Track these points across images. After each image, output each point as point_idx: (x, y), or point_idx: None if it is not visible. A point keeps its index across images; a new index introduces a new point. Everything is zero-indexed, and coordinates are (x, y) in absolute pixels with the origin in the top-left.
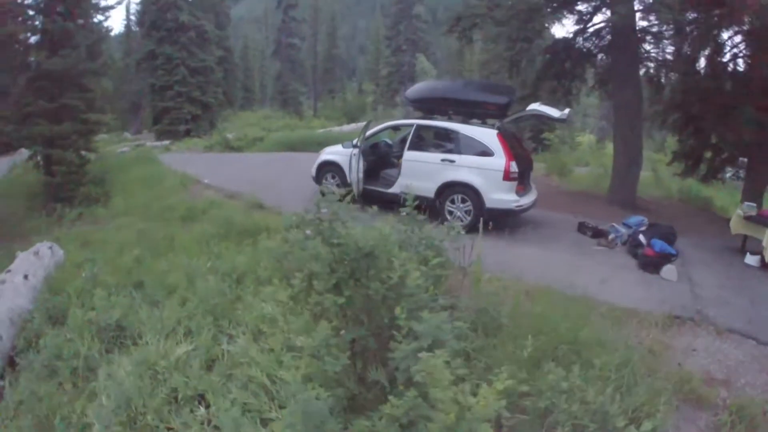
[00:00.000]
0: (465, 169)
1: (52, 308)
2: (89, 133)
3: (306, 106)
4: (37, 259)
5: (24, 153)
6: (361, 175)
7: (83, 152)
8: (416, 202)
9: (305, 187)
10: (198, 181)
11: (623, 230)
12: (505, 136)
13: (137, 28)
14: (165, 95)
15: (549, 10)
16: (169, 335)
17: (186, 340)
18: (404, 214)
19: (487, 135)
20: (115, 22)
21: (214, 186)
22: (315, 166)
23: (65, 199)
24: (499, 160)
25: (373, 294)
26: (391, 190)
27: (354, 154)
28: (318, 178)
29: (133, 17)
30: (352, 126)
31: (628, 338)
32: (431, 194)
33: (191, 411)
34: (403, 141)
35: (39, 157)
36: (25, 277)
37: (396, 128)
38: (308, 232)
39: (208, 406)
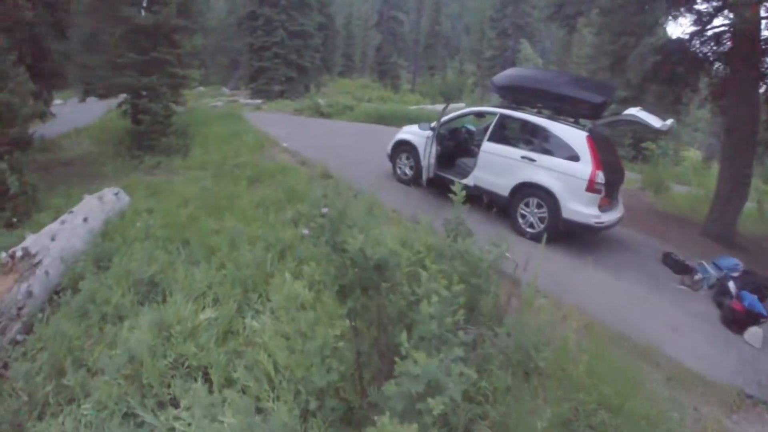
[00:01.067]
0: (545, 171)
1: (101, 253)
2: (177, 87)
3: (404, 80)
4: (101, 203)
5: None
6: (432, 160)
7: (170, 104)
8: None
9: (381, 162)
10: (277, 143)
11: (712, 271)
12: (595, 141)
13: None
14: (263, 55)
15: (665, 3)
16: (197, 299)
17: (213, 306)
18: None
19: (575, 137)
20: None
21: (291, 150)
22: (391, 143)
23: (148, 148)
24: (584, 166)
25: (389, 307)
26: (464, 181)
27: (428, 137)
28: (392, 156)
29: None
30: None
31: (683, 414)
32: (505, 192)
33: (194, 380)
34: (486, 130)
35: (128, 106)
36: (85, 219)
37: (480, 115)
38: (306, 231)
39: (208, 381)
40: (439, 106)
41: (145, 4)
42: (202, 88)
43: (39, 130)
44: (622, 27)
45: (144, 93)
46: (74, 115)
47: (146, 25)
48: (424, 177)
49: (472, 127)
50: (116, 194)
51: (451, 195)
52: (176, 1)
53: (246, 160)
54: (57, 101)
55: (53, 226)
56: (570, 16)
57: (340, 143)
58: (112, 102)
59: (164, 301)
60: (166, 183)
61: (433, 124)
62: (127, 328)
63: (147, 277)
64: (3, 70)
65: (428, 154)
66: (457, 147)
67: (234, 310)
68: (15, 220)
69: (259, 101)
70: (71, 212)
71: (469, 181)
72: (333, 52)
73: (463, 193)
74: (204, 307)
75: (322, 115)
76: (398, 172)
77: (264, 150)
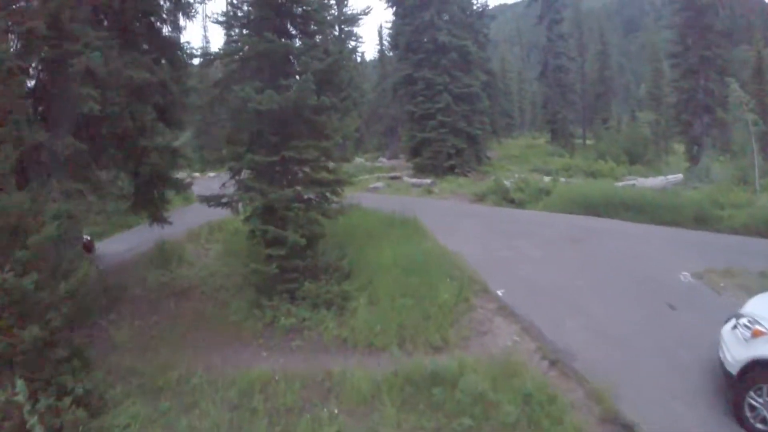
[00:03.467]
0: None
1: None
2: (326, 195)
3: (569, 133)
4: None
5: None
6: None
7: (316, 224)
8: None
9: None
10: (485, 288)
11: None
12: None
13: (391, 52)
14: (425, 125)
15: None
16: None
17: None
18: None
19: None
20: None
21: (510, 307)
22: (730, 357)
23: (285, 293)
24: None
25: None
26: None
27: None
28: (740, 392)
29: (386, 41)
30: (659, 180)
31: None
32: None
33: None
34: None
35: (254, 226)
36: None
37: None
38: None
39: None
40: (652, 181)
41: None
42: (358, 159)
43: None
44: None
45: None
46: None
47: (272, 110)
48: None
49: None
50: None
51: None
52: (315, 69)
53: (447, 365)
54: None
55: None
56: None
57: (579, 281)
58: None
59: None
60: (316, 367)
61: None
62: None
63: None
64: None
65: None
66: None
67: None
68: None
69: (428, 181)
70: None
71: None
72: (496, 112)
73: None
74: None
75: (512, 202)
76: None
77: (470, 311)
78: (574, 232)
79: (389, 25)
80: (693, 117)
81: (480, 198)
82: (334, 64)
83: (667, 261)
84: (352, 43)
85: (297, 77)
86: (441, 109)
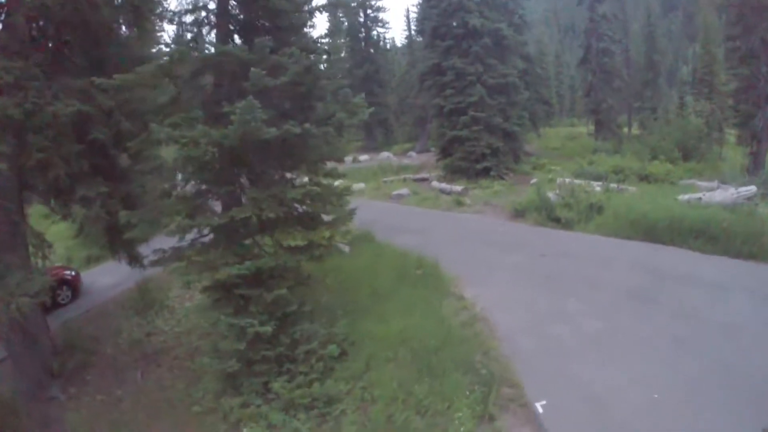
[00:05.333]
0: None
1: None
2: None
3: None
4: None
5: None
6: None
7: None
8: None
9: None
10: (519, 395)
11: None
12: None
13: (419, 38)
14: (456, 121)
15: None
16: None
17: None
18: None
19: None
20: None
21: None
22: None
23: (254, 384)
24: None
25: None
26: None
27: None
28: None
29: (414, 27)
30: (729, 193)
31: None
32: None
33: None
34: None
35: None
36: None
37: None
38: None
39: None
40: (721, 192)
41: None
42: (385, 153)
43: None
44: None
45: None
46: None
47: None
48: None
49: None
50: None
51: None
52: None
53: None
54: None
55: None
56: None
57: (659, 384)
58: None
59: None
60: None
61: None
62: None
63: None
64: None
65: None
66: None
67: None
68: None
69: (458, 188)
70: None
71: None
72: (536, 101)
73: None
74: None
75: (558, 222)
76: None
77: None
78: (640, 277)
79: (416, 9)
80: (754, 107)
81: (519, 214)
82: (306, 74)
83: None
84: (380, 30)
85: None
86: (473, 103)
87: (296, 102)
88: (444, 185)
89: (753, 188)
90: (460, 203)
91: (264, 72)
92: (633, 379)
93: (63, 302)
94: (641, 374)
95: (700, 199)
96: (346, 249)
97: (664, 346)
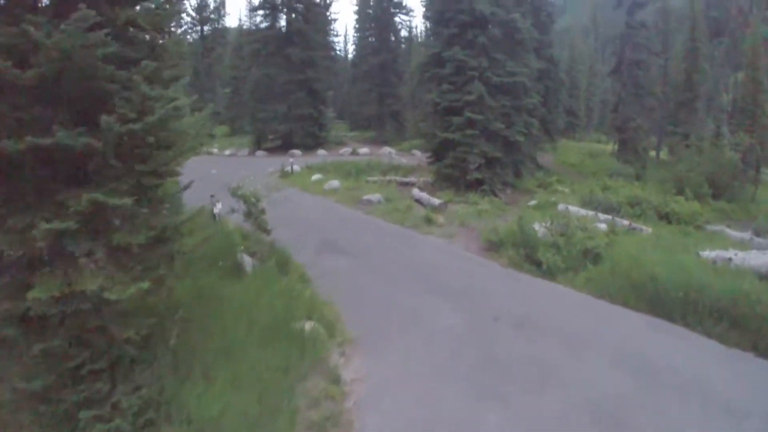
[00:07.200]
0: None
1: None
2: None
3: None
4: None
5: None
6: None
7: None
8: None
9: None
10: None
11: None
12: None
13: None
14: (450, 121)
15: None
16: None
17: None
18: None
19: None
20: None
21: None
22: None
23: None
24: None
25: None
26: None
27: None
28: None
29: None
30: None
31: None
32: None
33: None
34: None
35: None
36: None
37: None
38: None
39: None
40: (759, 255)
41: None
42: (388, 149)
43: None
44: None
45: None
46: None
47: None
48: None
49: None
50: None
51: None
52: None
53: None
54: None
55: None
56: None
57: None
58: None
59: None
60: None
61: None
62: None
63: None
64: None
65: None
66: None
67: None
68: None
69: (436, 201)
70: None
71: None
72: (555, 109)
73: None
74: None
75: (539, 267)
76: None
77: None
78: (623, 381)
79: None
80: None
81: (493, 247)
82: None
83: None
84: (404, 17)
85: None
86: (471, 103)
87: None
88: (423, 195)
89: None
90: (430, 221)
91: None
92: None
93: None
94: None
95: (730, 260)
96: (248, 267)
97: None
